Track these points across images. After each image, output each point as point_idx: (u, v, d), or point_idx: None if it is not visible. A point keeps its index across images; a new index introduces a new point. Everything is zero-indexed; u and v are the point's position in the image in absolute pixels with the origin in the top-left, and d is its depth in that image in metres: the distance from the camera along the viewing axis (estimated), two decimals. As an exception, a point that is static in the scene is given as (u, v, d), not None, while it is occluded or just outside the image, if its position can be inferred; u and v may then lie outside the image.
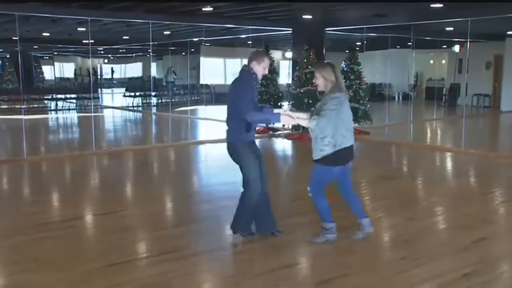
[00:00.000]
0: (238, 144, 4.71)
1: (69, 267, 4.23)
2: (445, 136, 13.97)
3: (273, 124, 12.38)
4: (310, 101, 11.60)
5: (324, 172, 4.61)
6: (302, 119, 4.70)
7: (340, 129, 4.50)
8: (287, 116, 4.71)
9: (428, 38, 16.49)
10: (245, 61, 4.94)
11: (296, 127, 12.06)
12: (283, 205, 6.36)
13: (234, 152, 4.75)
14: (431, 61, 24.03)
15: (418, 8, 11.11)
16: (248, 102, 4.59)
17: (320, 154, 4.53)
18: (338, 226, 4.83)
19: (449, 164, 9.70)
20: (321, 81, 4.64)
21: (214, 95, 21.25)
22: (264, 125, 12.74)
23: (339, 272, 4.14)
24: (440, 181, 8.02)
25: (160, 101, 21.32)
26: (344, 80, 12.41)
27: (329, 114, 4.45)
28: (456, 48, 19.57)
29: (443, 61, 23.09)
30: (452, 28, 14.67)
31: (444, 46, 20.60)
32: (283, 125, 12.18)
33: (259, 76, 4.78)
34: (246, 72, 4.76)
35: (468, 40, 11.54)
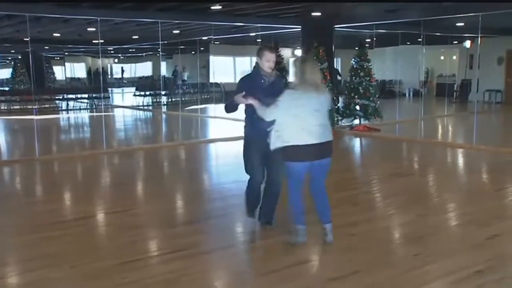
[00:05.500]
0: (246, 137, 4.95)
1: (83, 265, 4.26)
2: (456, 132, 13.87)
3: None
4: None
5: (288, 166, 4.54)
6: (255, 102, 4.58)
7: (291, 126, 4.38)
8: (242, 98, 4.66)
9: (438, 34, 16.37)
10: (255, 59, 4.99)
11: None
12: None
13: (243, 145, 4.98)
14: (442, 57, 23.84)
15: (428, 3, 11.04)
16: (231, 96, 4.84)
17: (273, 145, 4.50)
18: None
19: (460, 160, 9.63)
20: (293, 75, 4.59)
21: (224, 94, 21.27)
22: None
23: (351, 269, 4.12)
24: (452, 177, 7.97)
25: (170, 100, 21.38)
26: (354, 78, 12.35)
27: (275, 107, 4.40)
28: (467, 43, 19.39)
29: (454, 57, 22.90)
30: (463, 23, 14.53)
31: (455, 42, 20.41)
32: None
33: (266, 69, 4.81)
34: (254, 68, 4.96)
35: (479, 35, 11.46)
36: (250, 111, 4.78)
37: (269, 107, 4.45)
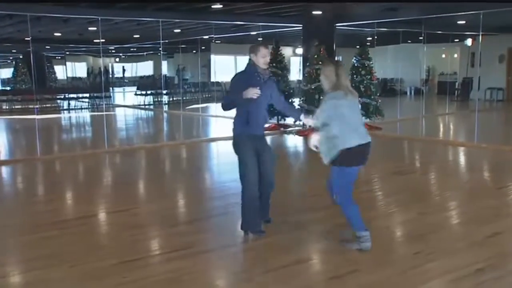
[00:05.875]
0: (238, 136, 4.82)
1: (83, 264, 4.27)
2: (458, 130, 13.86)
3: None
4: (321, 97, 11.55)
5: (343, 174, 4.43)
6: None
7: (344, 129, 4.30)
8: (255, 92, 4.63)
9: (439, 32, 16.34)
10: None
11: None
12: (294, 201, 6.38)
13: (234, 144, 4.87)
14: (443, 55, 23.83)
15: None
16: (228, 94, 4.82)
17: (328, 157, 4.36)
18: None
19: (462, 158, 9.62)
20: (322, 80, 4.51)
21: (225, 93, 21.25)
22: (275, 121, 12.73)
23: (351, 267, 4.12)
24: (453, 175, 7.96)
25: (171, 99, 21.39)
26: (355, 77, 12.34)
27: (329, 118, 4.31)
28: (469, 41, 19.37)
29: (455, 55, 22.88)
30: (464, 22, 14.52)
31: (456, 40, 20.40)
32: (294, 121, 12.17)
33: (262, 66, 4.78)
34: (248, 65, 4.87)
35: (481, 33, 11.41)
36: (243, 110, 4.72)
37: (324, 123, 4.31)
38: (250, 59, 4.84)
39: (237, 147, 4.84)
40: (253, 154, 4.76)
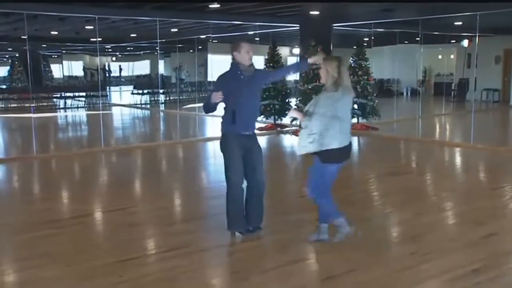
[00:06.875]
0: (225, 135, 4.77)
1: (79, 263, 4.26)
2: (454, 131, 13.90)
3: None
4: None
5: (324, 168, 4.45)
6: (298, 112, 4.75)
7: (331, 130, 4.29)
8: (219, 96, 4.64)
9: (436, 33, 16.39)
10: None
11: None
12: (290, 201, 6.39)
13: (220, 142, 4.82)
14: (440, 56, 23.87)
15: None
16: (208, 95, 4.78)
17: (303, 150, 4.40)
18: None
19: (458, 159, 9.65)
20: (323, 74, 4.44)
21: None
22: (272, 121, 12.73)
23: (347, 267, 4.13)
24: (449, 176, 7.98)
25: (168, 98, 21.37)
26: (351, 77, 12.37)
27: (320, 116, 4.28)
28: (465, 42, 19.42)
29: (452, 56, 22.94)
30: (460, 23, 14.55)
31: (452, 41, 20.46)
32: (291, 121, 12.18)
33: (247, 62, 4.73)
34: (231, 65, 4.81)
35: (477, 34, 11.45)
36: (229, 109, 4.68)
37: (311, 117, 4.30)
38: (233, 59, 4.77)
39: (223, 147, 4.79)
40: (239, 155, 4.70)
